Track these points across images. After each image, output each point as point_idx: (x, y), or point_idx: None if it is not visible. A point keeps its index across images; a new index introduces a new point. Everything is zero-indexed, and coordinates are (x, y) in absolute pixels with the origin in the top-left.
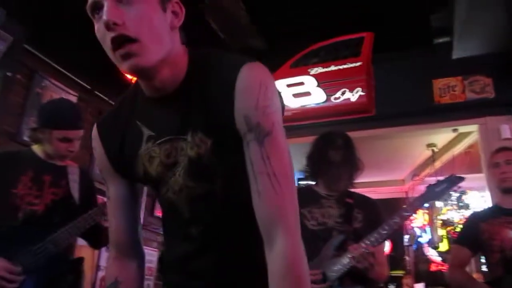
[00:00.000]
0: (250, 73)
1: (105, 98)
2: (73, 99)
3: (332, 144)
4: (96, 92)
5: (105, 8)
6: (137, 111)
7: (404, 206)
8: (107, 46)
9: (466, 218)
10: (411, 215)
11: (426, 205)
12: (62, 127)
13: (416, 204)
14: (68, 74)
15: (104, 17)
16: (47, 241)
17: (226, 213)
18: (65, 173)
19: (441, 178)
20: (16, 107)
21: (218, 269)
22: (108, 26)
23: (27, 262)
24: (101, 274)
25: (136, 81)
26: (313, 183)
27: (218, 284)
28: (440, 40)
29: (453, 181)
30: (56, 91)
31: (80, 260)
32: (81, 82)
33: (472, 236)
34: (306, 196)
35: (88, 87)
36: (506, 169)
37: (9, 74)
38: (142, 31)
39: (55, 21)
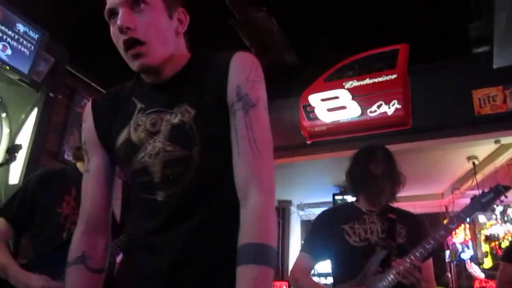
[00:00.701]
0: (243, 55)
1: None
2: None
3: (373, 157)
4: None
5: (119, 15)
6: (135, 92)
7: (450, 219)
8: (120, 47)
9: None
10: (457, 227)
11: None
12: None
13: (462, 216)
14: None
15: (118, 22)
16: None
17: (198, 180)
18: None
19: (485, 190)
20: (57, 126)
21: (182, 245)
22: (122, 30)
23: None
24: None
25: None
26: (350, 198)
27: (181, 261)
28: (479, 50)
29: (499, 191)
30: None
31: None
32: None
33: None
34: (347, 212)
35: None
36: None
37: (51, 94)
38: (150, 35)
39: (95, 42)
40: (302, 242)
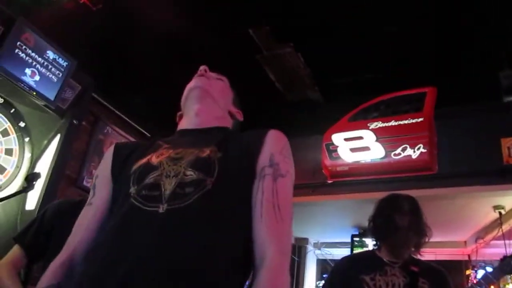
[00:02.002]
0: (278, 131)
1: None
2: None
3: (399, 209)
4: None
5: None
6: (163, 138)
7: (476, 280)
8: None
9: None
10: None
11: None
12: None
13: (490, 278)
14: (130, 121)
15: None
16: None
17: (203, 202)
18: None
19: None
20: (79, 153)
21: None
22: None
23: None
24: None
25: None
26: (368, 240)
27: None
28: (510, 99)
29: None
30: (117, 138)
31: None
32: (141, 130)
33: None
34: (368, 262)
35: (148, 134)
36: None
37: (75, 121)
38: (215, 89)
39: (120, 71)
40: None
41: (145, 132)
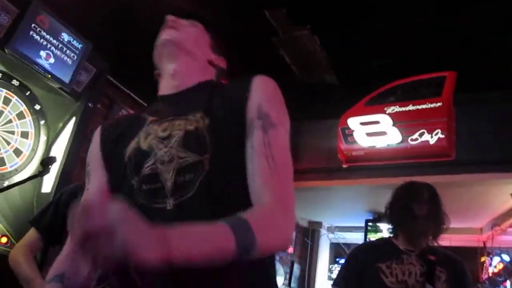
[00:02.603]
0: (265, 77)
1: None
2: None
3: (417, 197)
4: None
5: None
6: (147, 110)
7: (497, 270)
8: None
9: None
10: (505, 282)
11: None
12: None
13: (510, 272)
14: (145, 104)
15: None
16: None
17: (206, 188)
18: None
19: None
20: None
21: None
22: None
23: None
24: None
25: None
26: (383, 225)
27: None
28: None
29: None
30: None
31: None
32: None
33: None
34: (385, 250)
35: None
36: None
37: (90, 104)
38: (186, 37)
39: (136, 54)
40: (336, 276)
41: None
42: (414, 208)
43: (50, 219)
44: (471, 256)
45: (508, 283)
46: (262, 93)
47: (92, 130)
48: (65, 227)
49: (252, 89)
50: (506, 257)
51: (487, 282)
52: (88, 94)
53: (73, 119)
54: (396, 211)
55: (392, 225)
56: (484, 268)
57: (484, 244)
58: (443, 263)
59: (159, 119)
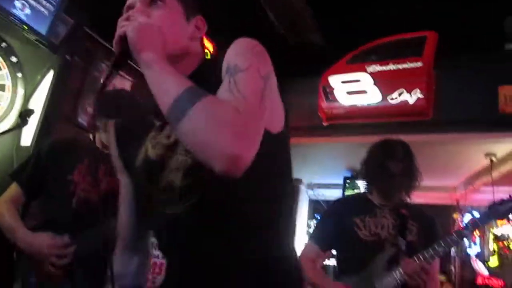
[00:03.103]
0: (238, 39)
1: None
2: (128, 84)
3: (392, 155)
4: None
5: (135, 8)
6: (152, 104)
7: (463, 224)
8: None
9: None
10: (471, 234)
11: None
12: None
13: (477, 223)
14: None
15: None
16: (99, 228)
17: (215, 190)
18: None
19: (504, 195)
20: (74, 90)
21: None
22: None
23: (77, 249)
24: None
25: None
26: (361, 183)
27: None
28: (511, 46)
29: None
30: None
31: None
32: (137, 67)
33: None
34: (360, 204)
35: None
36: None
37: (68, 57)
38: (160, 24)
39: (116, 6)
40: (312, 230)
41: (140, 70)
42: (390, 165)
43: (30, 174)
44: (445, 213)
45: (478, 240)
46: (230, 52)
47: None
48: (46, 180)
49: (224, 59)
50: (476, 214)
51: (454, 234)
52: (66, 46)
53: (51, 72)
54: (372, 168)
55: (367, 182)
56: (455, 224)
57: (457, 202)
58: (415, 217)
59: (162, 123)
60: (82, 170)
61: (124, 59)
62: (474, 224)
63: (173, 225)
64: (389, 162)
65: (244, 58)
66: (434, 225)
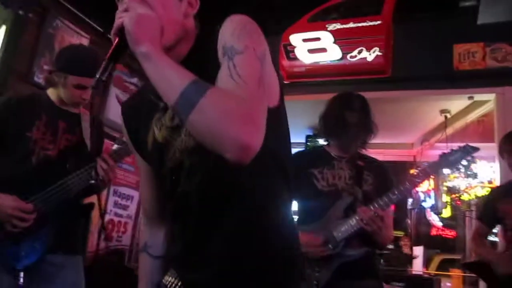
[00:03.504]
0: (230, 17)
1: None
2: (85, 41)
3: (349, 105)
4: (109, 36)
5: None
6: (152, 88)
7: (416, 172)
8: None
9: (486, 195)
10: (422, 181)
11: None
12: (78, 73)
13: (428, 171)
14: (81, 15)
15: (125, 1)
16: (59, 186)
17: (220, 167)
18: (79, 120)
19: (454, 147)
20: (28, 47)
21: (220, 251)
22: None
23: (39, 206)
24: (108, 217)
25: None
26: (323, 143)
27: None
28: (466, 3)
29: (467, 151)
30: (68, 33)
31: (91, 205)
32: (94, 25)
33: (490, 214)
34: (318, 157)
35: (101, 30)
36: None
37: (21, 12)
38: (156, 11)
39: None
40: None
41: (98, 28)
42: (346, 115)
43: None
44: (402, 169)
45: (432, 194)
46: (225, 31)
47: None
48: (3, 137)
49: (218, 38)
50: (447, 170)
51: (407, 183)
52: (18, 1)
53: (3, 28)
54: (329, 120)
55: (325, 134)
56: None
57: (414, 158)
58: (370, 168)
59: (165, 105)
60: (40, 127)
61: (122, 51)
62: (425, 172)
63: (185, 202)
64: (346, 112)
65: (239, 39)
66: (388, 175)
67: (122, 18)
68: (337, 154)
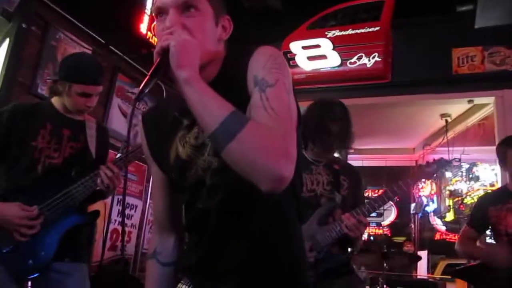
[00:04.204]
0: (261, 49)
1: (119, 53)
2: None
3: (331, 114)
4: (111, 47)
5: (169, 16)
6: (177, 104)
7: (400, 183)
8: None
9: (477, 201)
10: (403, 192)
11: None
12: (82, 81)
13: (409, 182)
14: (83, 27)
15: (167, 23)
16: (64, 194)
17: (239, 187)
18: (83, 127)
19: (430, 160)
20: (31, 59)
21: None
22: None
23: (45, 214)
24: (112, 226)
25: None
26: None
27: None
28: (463, 8)
29: (442, 165)
30: (71, 44)
31: (96, 213)
32: (96, 36)
33: (480, 219)
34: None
35: (103, 41)
36: None
37: (24, 25)
38: (196, 37)
39: None
40: None
41: (100, 39)
42: (328, 124)
43: None
44: (404, 173)
45: (435, 198)
46: (256, 63)
47: (29, 53)
48: (9, 146)
49: (248, 68)
50: (425, 180)
51: (389, 191)
52: (21, 14)
53: (7, 41)
54: (311, 127)
55: (304, 138)
56: (415, 185)
57: (416, 163)
58: (345, 172)
59: (189, 123)
60: (45, 136)
61: (161, 70)
62: (406, 184)
63: (203, 216)
64: (327, 121)
65: (270, 72)
66: (360, 181)
67: (168, 40)
68: (314, 158)
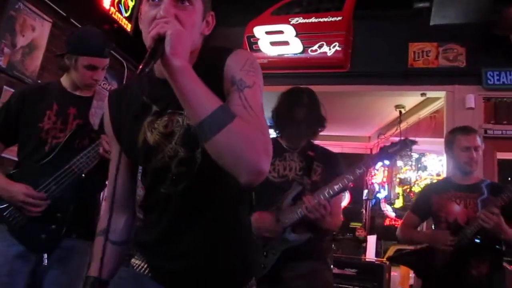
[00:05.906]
0: (239, 51)
1: (81, 26)
2: (48, 25)
3: (297, 101)
4: (72, 20)
5: (163, 5)
6: (147, 89)
7: (358, 164)
8: (146, 29)
9: (422, 189)
10: (364, 173)
11: (384, 163)
12: (88, 53)
13: (369, 163)
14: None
15: (161, 12)
16: (69, 168)
17: (200, 178)
18: (90, 104)
19: (394, 140)
20: None
21: (196, 243)
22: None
23: (52, 189)
24: None
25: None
26: (275, 135)
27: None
28: (420, 5)
29: (405, 144)
30: (30, 15)
31: (104, 180)
32: (57, 8)
33: (424, 206)
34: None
35: (64, 14)
36: (474, 155)
37: None
38: (186, 29)
39: None
40: None
41: (61, 12)
42: (295, 111)
43: (3, 123)
44: (359, 161)
45: (386, 185)
46: (233, 64)
47: None
48: (19, 127)
49: (225, 69)
50: (386, 162)
51: (350, 174)
52: None
53: None
54: (280, 114)
55: (275, 128)
56: (368, 171)
57: (371, 151)
58: (320, 158)
59: (160, 109)
60: (51, 117)
61: (158, 55)
62: (367, 164)
63: (165, 199)
64: (294, 107)
65: (248, 74)
66: (337, 163)
67: (164, 28)
68: (288, 146)
